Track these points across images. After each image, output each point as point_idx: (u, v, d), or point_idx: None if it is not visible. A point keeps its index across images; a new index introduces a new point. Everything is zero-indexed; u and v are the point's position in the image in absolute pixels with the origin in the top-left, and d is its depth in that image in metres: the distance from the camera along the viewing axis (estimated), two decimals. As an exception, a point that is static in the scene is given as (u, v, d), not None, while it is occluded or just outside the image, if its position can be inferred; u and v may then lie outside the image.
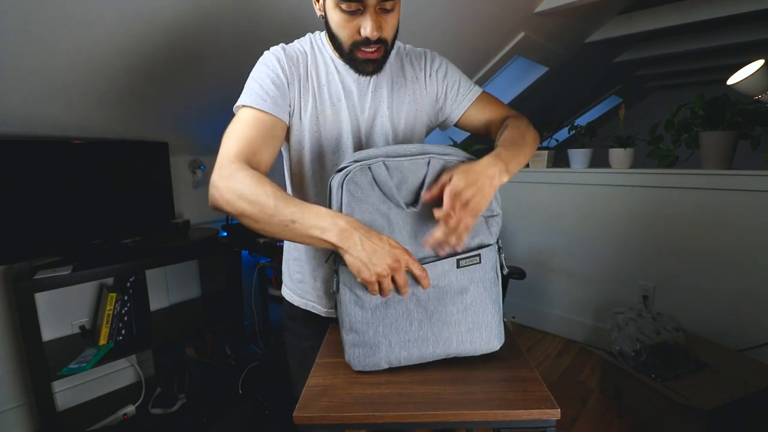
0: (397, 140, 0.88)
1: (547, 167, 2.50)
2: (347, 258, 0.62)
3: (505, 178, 0.68)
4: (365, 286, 0.64)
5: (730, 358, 1.73)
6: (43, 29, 1.15)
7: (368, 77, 0.83)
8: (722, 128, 1.90)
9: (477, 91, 0.90)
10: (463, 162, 0.68)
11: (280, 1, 1.41)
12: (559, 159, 2.69)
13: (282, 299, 2.03)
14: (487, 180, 0.65)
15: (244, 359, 2.05)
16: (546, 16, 2.16)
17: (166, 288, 2.10)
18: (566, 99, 3.76)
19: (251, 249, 2.10)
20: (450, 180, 0.64)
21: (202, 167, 2.12)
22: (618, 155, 2.21)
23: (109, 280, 1.86)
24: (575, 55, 2.79)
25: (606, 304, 2.29)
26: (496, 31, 2.16)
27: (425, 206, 0.68)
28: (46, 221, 1.55)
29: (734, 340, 1.87)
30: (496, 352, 0.74)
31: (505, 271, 0.73)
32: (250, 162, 0.70)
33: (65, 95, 1.42)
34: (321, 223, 0.62)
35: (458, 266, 0.67)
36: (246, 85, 0.79)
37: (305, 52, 0.84)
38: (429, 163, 0.68)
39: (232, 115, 0.78)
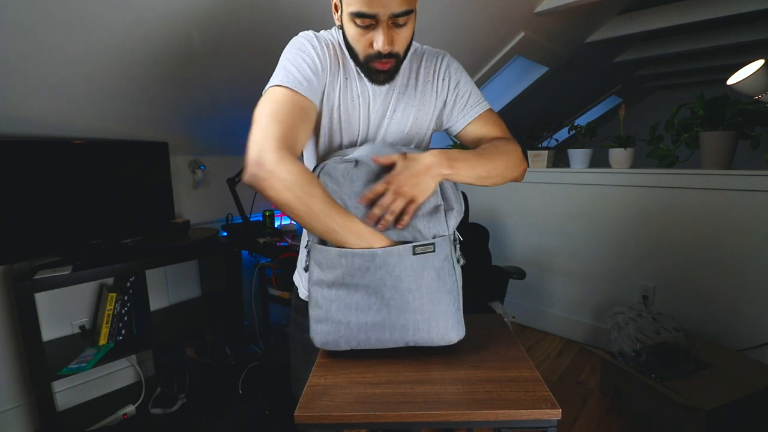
0: (403, 140, 0.90)
1: (547, 167, 2.50)
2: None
3: (446, 171, 0.72)
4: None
5: (730, 358, 1.73)
6: (44, 30, 1.15)
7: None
8: (722, 128, 1.90)
9: (484, 106, 0.90)
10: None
11: (282, 2, 1.41)
12: (559, 159, 2.69)
13: (281, 299, 2.03)
14: (422, 168, 0.70)
15: (244, 359, 2.05)
16: (546, 16, 2.16)
17: (166, 288, 2.10)
18: (566, 99, 3.75)
19: (251, 249, 2.10)
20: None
21: (202, 167, 2.12)
22: (618, 155, 2.21)
23: (109, 280, 1.86)
24: (575, 55, 2.79)
25: (606, 304, 2.29)
26: (496, 31, 2.16)
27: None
28: (46, 221, 1.55)
29: (734, 340, 1.87)
30: (498, 351, 0.75)
31: (462, 262, 0.76)
32: (288, 145, 0.71)
33: (65, 96, 1.42)
34: (356, 241, 0.70)
35: (414, 253, 0.70)
36: (281, 67, 0.79)
37: (338, 43, 0.85)
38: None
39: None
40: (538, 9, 2.10)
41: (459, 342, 0.74)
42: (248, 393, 1.88)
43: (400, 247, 0.70)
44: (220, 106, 1.80)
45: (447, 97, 0.90)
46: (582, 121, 4.26)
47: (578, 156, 2.37)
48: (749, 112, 1.84)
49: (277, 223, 2.30)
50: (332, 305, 0.73)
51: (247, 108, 0.88)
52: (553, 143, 2.89)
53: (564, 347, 2.39)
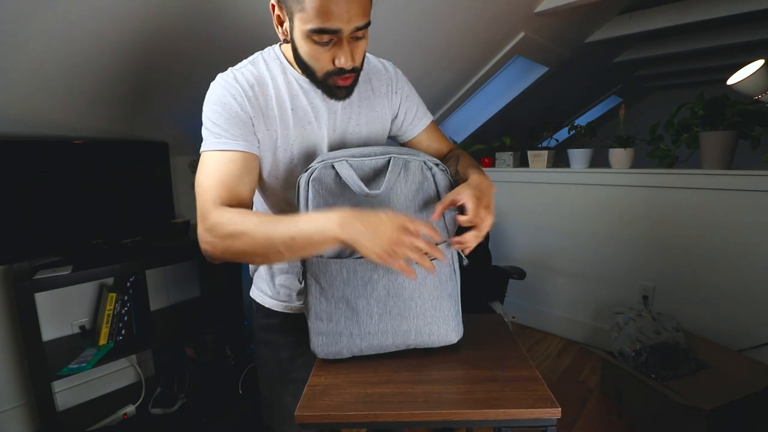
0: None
1: (547, 167, 2.50)
2: (359, 248, 0.60)
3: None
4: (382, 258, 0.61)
5: (730, 358, 1.73)
6: (42, 29, 1.15)
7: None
8: (722, 128, 1.90)
9: (429, 118, 0.97)
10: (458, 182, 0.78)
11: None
12: (559, 159, 2.69)
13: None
14: (489, 187, 0.74)
15: (244, 359, 2.04)
16: (546, 16, 2.16)
17: (166, 288, 2.10)
18: (566, 99, 3.75)
19: (251, 249, 2.09)
20: (460, 195, 0.69)
21: (202, 167, 2.12)
22: (618, 155, 2.21)
23: (109, 280, 1.86)
24: (575, 55, 2.79)
25: (606, 304, 2.29)
26: (496, 31, 2.16)
27: (386, 190, 0.72)
28: (46, 221, 1.55)
29: (734, 340, 1.87)
30: (498, 351, 0.75)
31: (465, 262, 0.77)
32: (231, 202, 0.70)
33: (65, 95, 1.42)
34: (318, 224, 0.61)
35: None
36: (205, 126, 0.74)
37: (262, 77, 0.79)
38: (390, 161, 0.73)
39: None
40: (538, 9, 2.10)
41: (459, 341, 0.76)
42: (248, 393, 1.88)
43: None
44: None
45: (399, 110, 0.93)
46: (582, 121, 4.26)
47: (578, 156, 2.37)
48: (749, 112, 1.84)
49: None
50: (333, 317, 0.73)
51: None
52: (553, 143, 2.90)
53: (564, 347, 2.39)
